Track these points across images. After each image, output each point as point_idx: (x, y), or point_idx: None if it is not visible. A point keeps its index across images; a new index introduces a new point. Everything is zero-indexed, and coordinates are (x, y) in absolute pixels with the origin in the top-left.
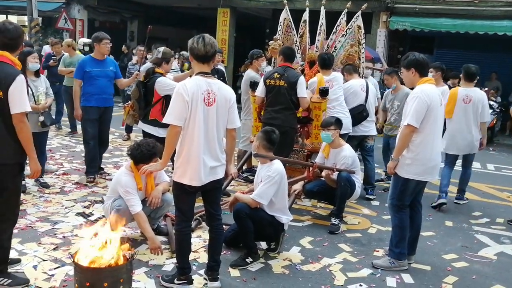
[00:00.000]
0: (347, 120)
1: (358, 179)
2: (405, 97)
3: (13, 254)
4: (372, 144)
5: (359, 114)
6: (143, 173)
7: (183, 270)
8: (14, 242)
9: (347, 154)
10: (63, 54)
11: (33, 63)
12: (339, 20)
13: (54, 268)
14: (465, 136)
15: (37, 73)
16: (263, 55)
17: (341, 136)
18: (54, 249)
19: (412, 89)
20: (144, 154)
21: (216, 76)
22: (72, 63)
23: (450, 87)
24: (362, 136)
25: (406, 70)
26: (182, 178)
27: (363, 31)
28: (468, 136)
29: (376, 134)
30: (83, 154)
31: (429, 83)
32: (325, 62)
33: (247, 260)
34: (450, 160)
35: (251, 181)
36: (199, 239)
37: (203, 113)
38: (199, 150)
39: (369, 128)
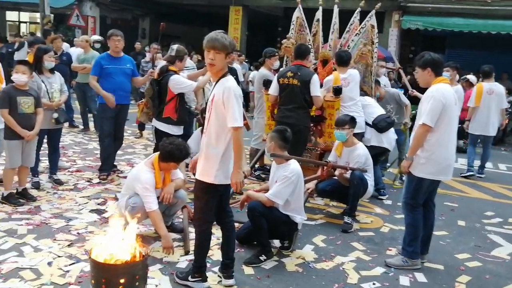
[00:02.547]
0: (361, 119)
1: (371, 177)
2: (394, 96)
3: (28, 250)
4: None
5: (384, 121)
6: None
7: (199, 268)
8: (29, 238)
9: (361, 153)
10: (63, 50)
11: (49, 61)
12: (352, 19)
13: (69, 264)
14: (488, 120)
15: (52, 70)
16: (276, 54)
17: (355, 135)
18: (68, 245)
19: (426, 88)
20: (183, 154)
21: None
22: (86, 59)
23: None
24: (385, 149)
25: (422, 70)
26: (225, 179)
27: (376, 30)
28: (490, 120)
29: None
30: (96, 152)
31: (444, 82)
32: (343, 59)
33: (260, 258)
34: (473, 139)
35: (263, 179)
36: (213, 236)
37: None
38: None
39: (390, 142)
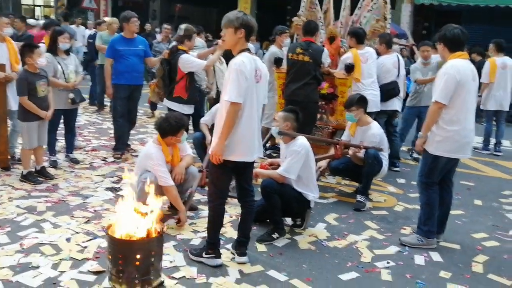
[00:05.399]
0: (377, 98)
1: (386, 156)
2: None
3: (47, 226)
4: (398, 120)
5: (391, 90)
6: (215, 160)
7: (213, 245)
8: (49, 215)
9: (375, 132)
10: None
11: (64, 43)
12: None
13: (87, 240)
14: (502, 94)
15: (67, 52)
16: (286, 31)
17: (369, 114)
18: (86, 222)
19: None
20: (173, 126)
21: None
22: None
23: (473, 62)
24: (392, 111)
25: (438, 44)
26: (230, 155)
27: (389, 6)
28: (503, 94)
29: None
30: (110, 131)
31: (461, 58)
32: (360, 36)
33: (273, 235)
34: (489, 116)
35: (274, 158)
36: (226, 214)
37: (255, 90)
38: (252, 127)
39: (397, 104)
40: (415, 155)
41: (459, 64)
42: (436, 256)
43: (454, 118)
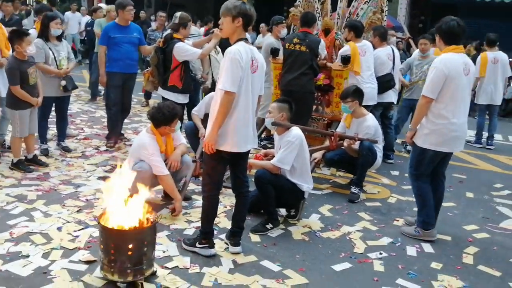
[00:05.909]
0: (375, 91)
1: (380, 148)
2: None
3: (38, 215)
4: (393, 112)
5: (387, 82)
6: (208, 150)
7: (206, 235)
8: (39, 204)
9: (370, 124)
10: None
11: (56, 29)
12: None
13: (78, 230)
14: (493, 88)
15: (59, 38)
16: (283, 21)
17: (366, 107)
18: (77, 211)
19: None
20: (167, 116)
21: None
22: None
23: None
24: (387, 103)
25: (436, 36)
26: (223, 146)
27: None
28: (495, 88)
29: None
30: (103, 120)
31: (455, 51)
32: (359, 29)
33: (267, 226)
34: (482, 110)
35: (269, 149)
36: (220, 204)
37: (251, 80)
38: (247, 118)
39: (393, 96)
40: (408, 147)
41: (449, 58)
42: (427, 248)
43: (442, 112)
